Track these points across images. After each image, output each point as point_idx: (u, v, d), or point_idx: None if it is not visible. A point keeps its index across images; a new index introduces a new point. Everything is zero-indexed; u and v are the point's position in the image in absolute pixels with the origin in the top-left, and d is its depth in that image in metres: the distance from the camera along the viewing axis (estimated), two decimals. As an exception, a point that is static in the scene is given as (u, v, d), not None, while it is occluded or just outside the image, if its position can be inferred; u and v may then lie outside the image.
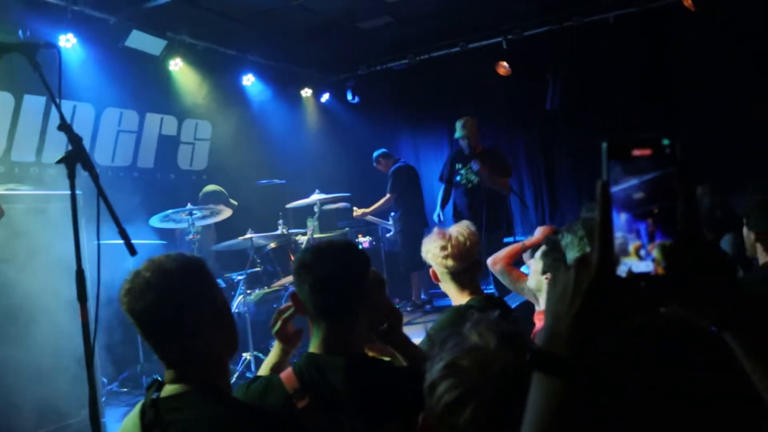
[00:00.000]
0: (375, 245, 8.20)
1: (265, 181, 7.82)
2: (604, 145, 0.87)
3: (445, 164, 7.59)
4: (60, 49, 2.75)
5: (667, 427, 1.15)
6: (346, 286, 1.98)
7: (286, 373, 1.93)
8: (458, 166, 6.92)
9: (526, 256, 3.53)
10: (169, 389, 1.75)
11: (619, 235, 0.86)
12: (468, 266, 2.84)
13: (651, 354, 1.15)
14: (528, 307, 3.65)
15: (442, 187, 7.54)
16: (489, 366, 1.06)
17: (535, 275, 2.90)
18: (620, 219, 0.86)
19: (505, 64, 8.57)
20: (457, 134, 6.86)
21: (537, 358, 0.88)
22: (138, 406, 1.78)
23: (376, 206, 8.11)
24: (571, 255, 2.20)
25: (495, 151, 7.18)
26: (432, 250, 2.84)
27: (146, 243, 5.44)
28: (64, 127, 2.49)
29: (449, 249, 2.80)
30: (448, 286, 2.90)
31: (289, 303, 2.20)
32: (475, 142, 6.85)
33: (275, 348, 2.30)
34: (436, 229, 2.93)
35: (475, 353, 1.09)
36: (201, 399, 1.73)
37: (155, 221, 5.70)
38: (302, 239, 6.69)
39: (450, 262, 2.81)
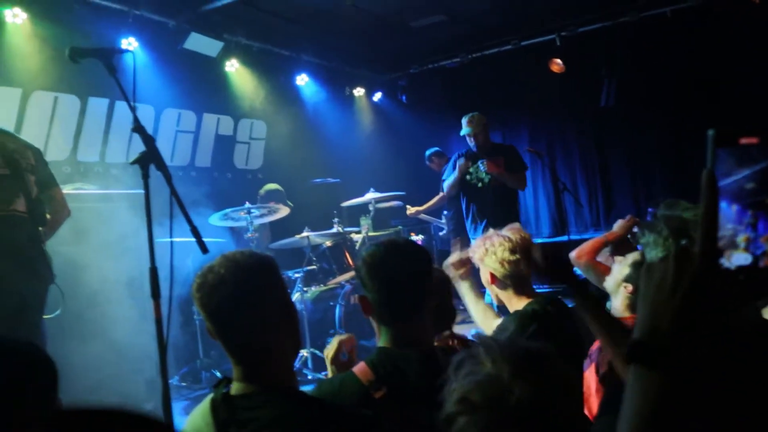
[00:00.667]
0: (427, 243, 8.19)
1: (319, 180, 7.89)
2: (711, 132, 0.85)
3: (447, 167, 7.02)
4: (134, 55, 2.84)
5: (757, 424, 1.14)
6: (414, 283, 2.00)
7: (360, 367, 1.94)
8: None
9: (604, 252, 3.40)
10: (238, 387, 1.74)
11: (728, 227, 0.85)
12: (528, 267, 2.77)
13: (740, 350, 1.14)
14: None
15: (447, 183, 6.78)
16: (503, 400, 1.05)
17: (615, 277, 2.79)
18: (729, 210, 0.85)
19: (558, 61, 8.49)
20: (463, 131, 6.64)
21: (636, 351, 0.88)
22: (206, 403, 1.76)
23: (429, 204, 8.10)
24: (653, 254, 2.15)
25: (508, 148, 6.97)
26: (495, 251, 2.76)
27: (206, 241, 5.52)
28: (138, 128, 2.58)
29: (515, 247, 2.75)
30: (504, 292, 2.83)
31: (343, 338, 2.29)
32: (483, 140, 6.62)
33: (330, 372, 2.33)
34: (491, 231, 2.88)
35: (489, 386, 1.07)
36: (277, 397, 1.72)
37: (215, 219, 5.78)
38: (357, 237, 6.72)
39: (513, 260, 2.73)
